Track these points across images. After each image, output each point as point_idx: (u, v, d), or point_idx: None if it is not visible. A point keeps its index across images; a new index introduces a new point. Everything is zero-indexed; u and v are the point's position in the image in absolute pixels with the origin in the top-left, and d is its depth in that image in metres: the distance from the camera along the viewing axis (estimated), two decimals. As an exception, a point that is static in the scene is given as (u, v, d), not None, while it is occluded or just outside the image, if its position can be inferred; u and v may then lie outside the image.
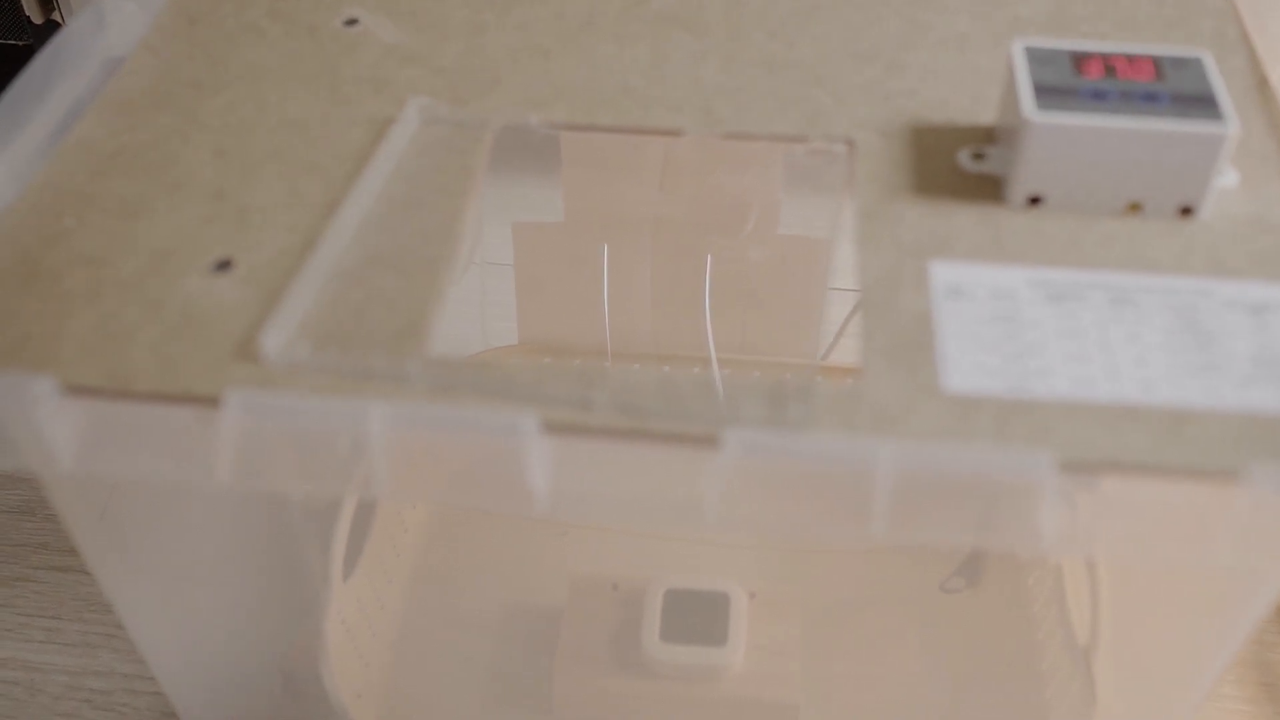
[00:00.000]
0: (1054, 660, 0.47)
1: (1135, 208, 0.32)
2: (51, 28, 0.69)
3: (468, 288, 0.57)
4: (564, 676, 0.47)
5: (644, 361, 0.57)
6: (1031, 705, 0.47)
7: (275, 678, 0.46)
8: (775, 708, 0.46)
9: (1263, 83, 0.37)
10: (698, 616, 0.46)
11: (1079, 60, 0.32)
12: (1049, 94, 0.32)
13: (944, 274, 0.31)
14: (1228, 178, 0.33)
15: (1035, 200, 0.33)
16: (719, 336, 0.55)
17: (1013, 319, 0.30)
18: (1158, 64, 0.32)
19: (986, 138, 0.35)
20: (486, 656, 0.49)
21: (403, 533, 0.53)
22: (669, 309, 0.56)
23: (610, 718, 0.47)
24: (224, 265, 0.31)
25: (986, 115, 0.36)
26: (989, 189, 0.33)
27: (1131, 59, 0.32)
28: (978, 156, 0.34)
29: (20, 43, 0.70)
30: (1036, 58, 0.33)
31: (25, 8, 0.69)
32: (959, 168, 0.34)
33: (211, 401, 0.28)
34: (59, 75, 0.37)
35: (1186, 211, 0.32)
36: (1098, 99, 0.31)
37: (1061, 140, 0.31)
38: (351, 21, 0.40)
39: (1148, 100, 0.31)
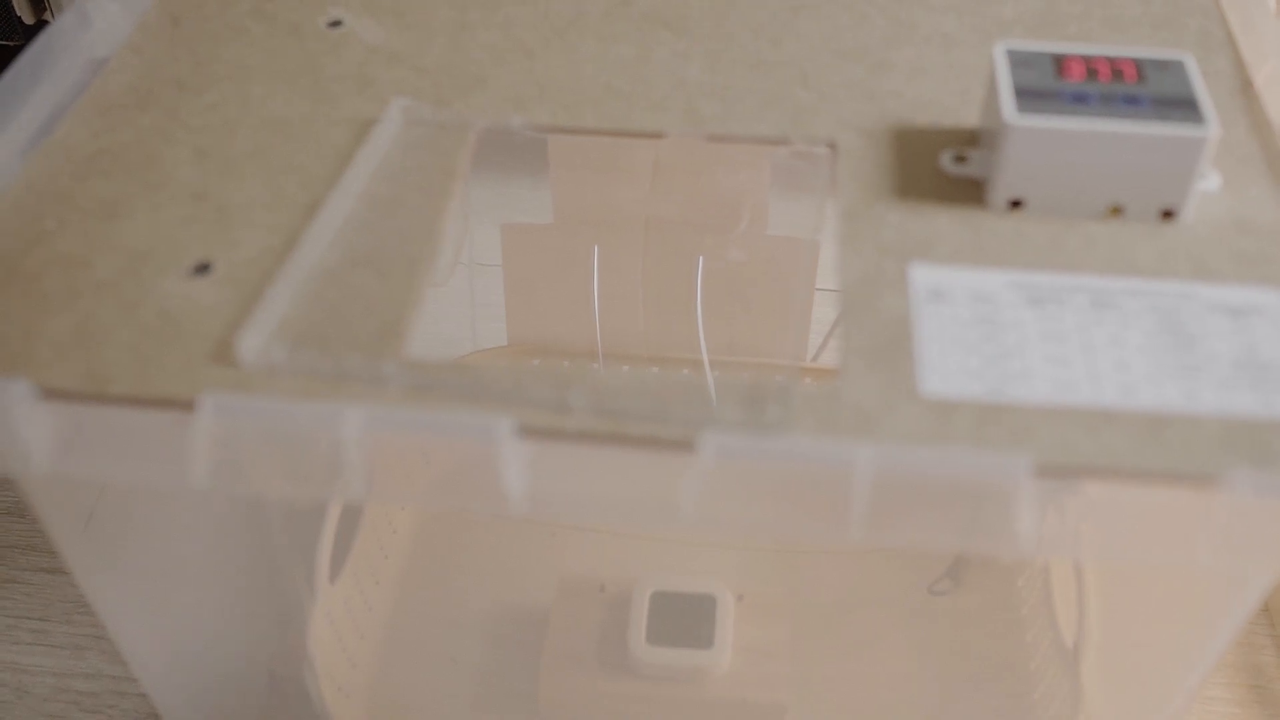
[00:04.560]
0: (1042, 662, 0.47)
1: (1117, 211, 0.32)
2: (43, 28, 0.69)
3: (458, 289, 0.57)
4: (550, 678, 0.47)
5: (634, 363, 0.57)
6: (1019, 707, 0.47)
7: (262, 679, 0.46)
8: (762, 709, 0.46)
9: (1247, 84, 0.37)
10: (684, 619, 0.46)
11: (1060, 63, 0.32)
12: (1030, 97, 0.31)
13: (924, 276, 0.31)
14: (1210, 180, 0.33)
15: (1016, 203, 0.33)
16: (707, 338, 0.55)
17: (993, 322, 0.30)
18: (1139, 66, 0.32)
19: (969, 140, 0.35)
20: (474, 657, 0.49)
21: (391, 534, 0.52)
22: (659, 310, 0.56)
23: (596, 719, 0.47)
24: (203, 267, 0.31)
25: (971, 116, 0.36)
26: (971, 191, 0.33)
27: (1113, 61, 0.32)
28: (960, 159, 0.34)
29: (12, 43, 0.70)
30: (1018, 60, 0.32)
31: (16, 8, 0.69)
32: (941, 170, 0.34)
33: (186, 404, 0.28)
34: (42, 76, 0.37)
35: (1168, 214, 0.32)
36: (1079, 102, 0.31)
37: (1042, 143, 0.31)
38: (336, 22, 0.40)
39: (1129, 103, 0.31)
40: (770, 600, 0.48)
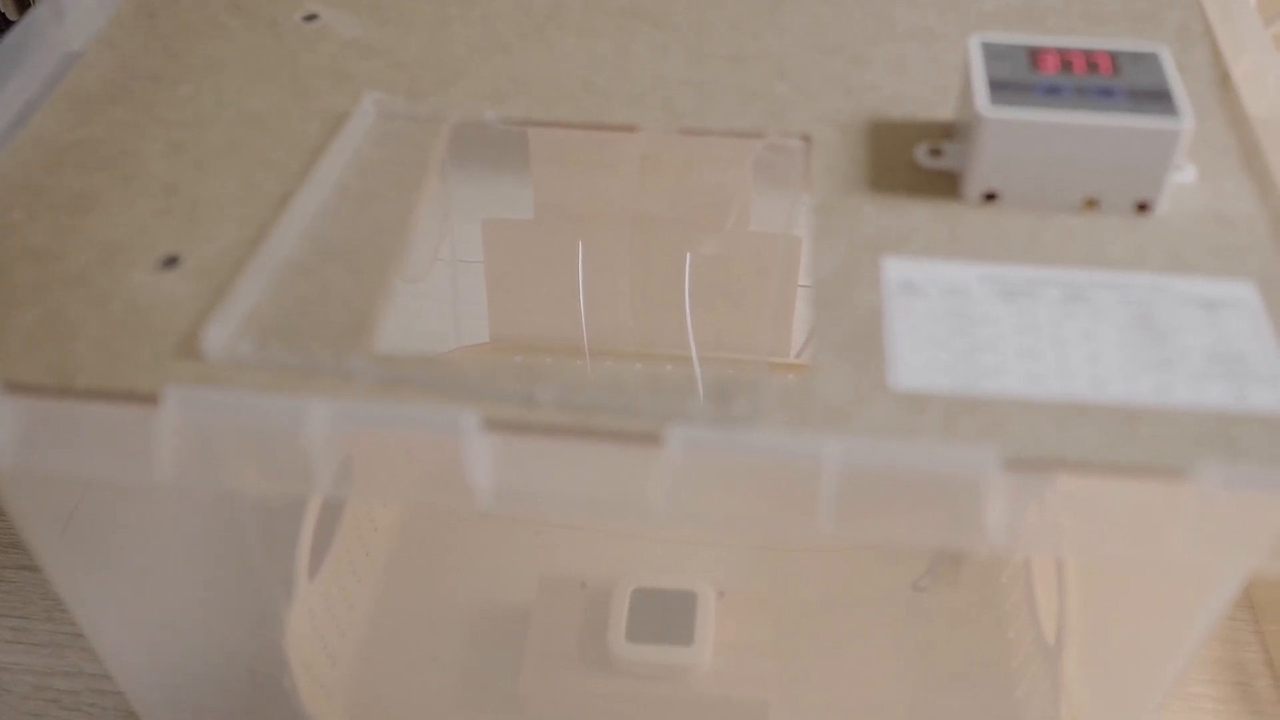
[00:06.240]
0: (1024, 659, 0.47)
1: (1092, 204, 0.32)
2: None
3: (441, 286, 0.57)
4: (530, 675, 0.46)
5: (618, 359, 0.57)
6: (1002, 704, 0.47)
7: (242, 677, 0.46)
8: (743, 706, 0.46)
9: (1224, 77, 0.36)
10: (664, 616, 0.46)
11: (1035, 55, 0.32)
12: (1004, 89, 0.31)
13: (897, 270, 0.31)
14: (1185, 173, 0.33)
15: (991, 196, 0.32)
16: (692, 333, 0.55)
17: (965, 315, 0.29)
18: (1115, 59, 0.32)
19: (945, 133, 0.35)
20: (455, 655, 0.49)
21: (372, 531, 0.52)
22: (643, 306, 0.55)
23: (577, 717, 0.47)
24: (172, 260, 0.31)
25: (948, 109, 0.36)
26: (946, 185, 0.33)
27: (1088, 54, 0.32)
28: (935, 152, 0.34)
29: (-2, 39, 0.70)
30: (993, 53, 0.32)
31: (0, 5, 0.69)
32: (916, 163, 0.34)
33: (151, 398, 0.28)
34: (15, 69, 0.37)
35: (1143, 207, 0.32)
36: (1053, 94, 0.31)
37: (1016, 136, 0.31)
38: (311, 16, 0.40)
39: (1103, 95, 0.31)
40: (752, 597, 0.48)
